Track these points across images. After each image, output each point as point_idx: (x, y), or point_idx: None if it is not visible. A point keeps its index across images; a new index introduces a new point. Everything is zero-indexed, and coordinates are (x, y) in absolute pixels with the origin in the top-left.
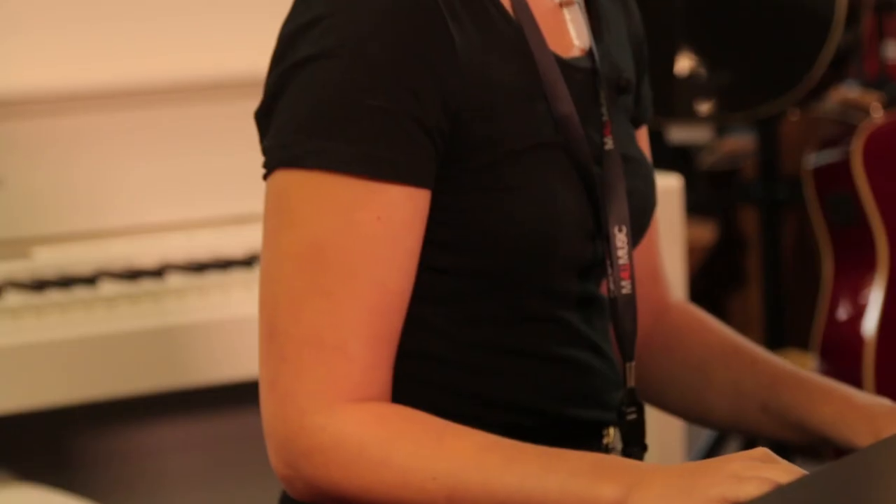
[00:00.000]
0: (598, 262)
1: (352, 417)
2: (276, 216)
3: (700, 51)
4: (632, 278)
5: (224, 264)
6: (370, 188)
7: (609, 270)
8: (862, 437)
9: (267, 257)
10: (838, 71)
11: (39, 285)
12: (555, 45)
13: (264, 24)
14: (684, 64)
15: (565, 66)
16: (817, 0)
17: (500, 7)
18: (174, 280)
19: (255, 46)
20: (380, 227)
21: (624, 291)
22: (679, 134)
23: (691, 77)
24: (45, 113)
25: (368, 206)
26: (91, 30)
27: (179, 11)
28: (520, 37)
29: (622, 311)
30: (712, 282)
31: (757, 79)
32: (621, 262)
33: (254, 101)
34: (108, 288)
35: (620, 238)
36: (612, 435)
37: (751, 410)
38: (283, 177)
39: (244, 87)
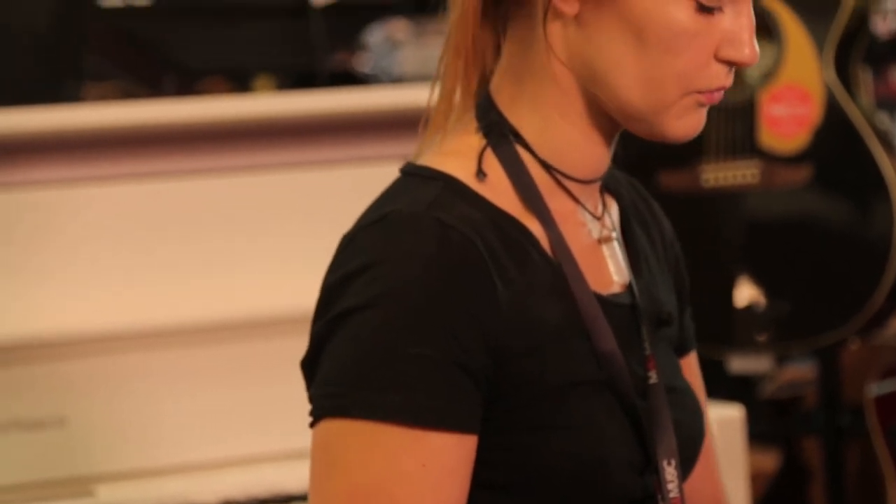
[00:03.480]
0: (649, 496)
1: None
2: (322, 464)
3: (759, 280)
4: None
5: (284, 500)
6: (415, 436)
7: None
8: None
9: None
10: None
11: None
12: (595, 282)
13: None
14: (744, 294)
15: (606, 303)
16: (875, 229)
17: (540, 248)
18: None
19: (308, 281)
20: (424, 473)
21: None
22: (739, 363)
23: (751, 307)
24: (105, 352)
25: (413, 454)
26: (153, 272)
27: (235, 253)
28: (559, 276)
29: None
30: None
31: (816, 308)
32: (672, 495)
33: (307, 338)
34: None
35: (670, 471)
36: None
37: None
38: (330, 426)
39: (300, 322)
